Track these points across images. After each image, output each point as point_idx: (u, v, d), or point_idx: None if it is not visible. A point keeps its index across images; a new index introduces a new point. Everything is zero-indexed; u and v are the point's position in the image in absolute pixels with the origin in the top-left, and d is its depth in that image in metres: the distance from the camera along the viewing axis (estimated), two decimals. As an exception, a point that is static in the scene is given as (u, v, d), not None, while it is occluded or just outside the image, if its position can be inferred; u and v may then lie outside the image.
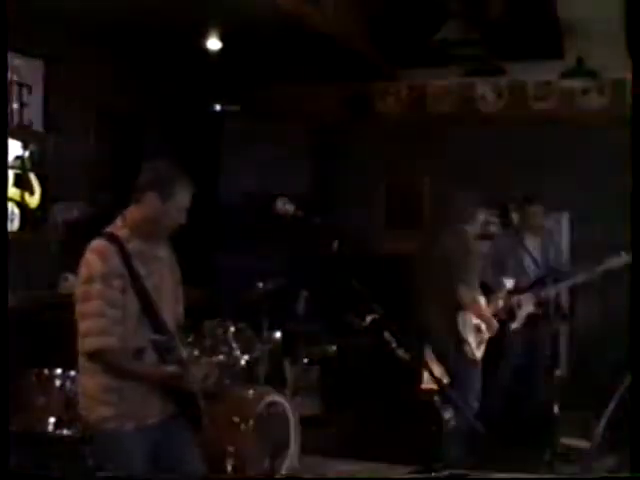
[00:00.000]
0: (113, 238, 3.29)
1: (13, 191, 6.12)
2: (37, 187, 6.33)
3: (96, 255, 3.25)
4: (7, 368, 3.24)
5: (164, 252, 3.48)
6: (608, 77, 7.67)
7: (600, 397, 5.20)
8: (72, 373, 4.71)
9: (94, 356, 3.25)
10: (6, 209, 5.72)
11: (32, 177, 6.29)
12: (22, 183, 6.20)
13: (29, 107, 6.30)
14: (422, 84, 8.52)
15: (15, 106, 6.15)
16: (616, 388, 4.62)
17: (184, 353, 3.29)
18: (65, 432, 4.68)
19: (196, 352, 3.41)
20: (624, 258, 6.26)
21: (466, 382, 5.61)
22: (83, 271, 3.27)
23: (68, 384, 4.70)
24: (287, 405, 5.19)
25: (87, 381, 3.35)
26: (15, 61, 5.97)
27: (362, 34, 7.41)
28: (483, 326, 5.84)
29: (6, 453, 3.15)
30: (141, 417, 3.33)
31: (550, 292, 6.49)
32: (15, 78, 6.09)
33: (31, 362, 4.86)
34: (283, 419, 5.12)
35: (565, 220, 8.12)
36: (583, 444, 5.51)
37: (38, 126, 6.40)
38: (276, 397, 5.09)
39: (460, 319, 5.77)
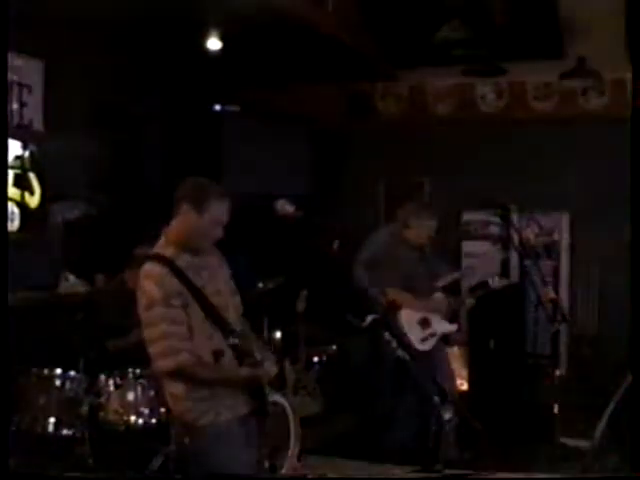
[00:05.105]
0: (162, 259, 3.35)
1: (13, 191, 6.12)
2: (37, 187, 6.33)
3: (151, 281, 3.31)
4: (7, 368, 3.25)
5: (211, 257, 3.55)
6: (608, 77, 7.67)
7: (600, 397, 5.20)
8: (72, 373, 4.72)
9: (170, 375, 3.35)
10: (6, 209, 5.71)
11: (32, 177, 6.28)
12: (22, 183, 6.20)
13: (29, 107, 6.30)
14: (422, 84, 8.52)
15: (15, 106, 6.15)
16: (616, 388, 4.62)
17: (258, 355, 3.47)
18: (65, 432, 4.68)
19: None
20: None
21: (414, 373, 5.56)
22: (142, 299, 3.34)
23: (68, 384, 4.71)
24: (287, 405, 5.19)
25: (172, 388, 3.42)
26: (15, 61, 5.96)
27: (362, 34, 7.41)
28: (432, 320, 5.83)
29: (6, 453, 3.15)
30: (233, 407, 3.42)
31: None
32: (15, 78, 6.09)
33: (31, 362, 4.87)
34: (283, 419, 5.12)
35: (565, 220, 8.12)
36: (583, 444, 5.51)
37: (38, 126, 6.40)
38: (276, 397, 5.08)
39: (400, 316, 5.76)
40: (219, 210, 3.39)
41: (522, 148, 8.04)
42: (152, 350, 3.32)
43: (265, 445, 4.84)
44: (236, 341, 3.39)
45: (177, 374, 3.32)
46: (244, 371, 3.39)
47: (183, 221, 3.40)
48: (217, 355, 3.33)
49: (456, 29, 6.54)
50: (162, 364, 3.31)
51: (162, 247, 3.43)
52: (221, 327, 3.39)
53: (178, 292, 3.30)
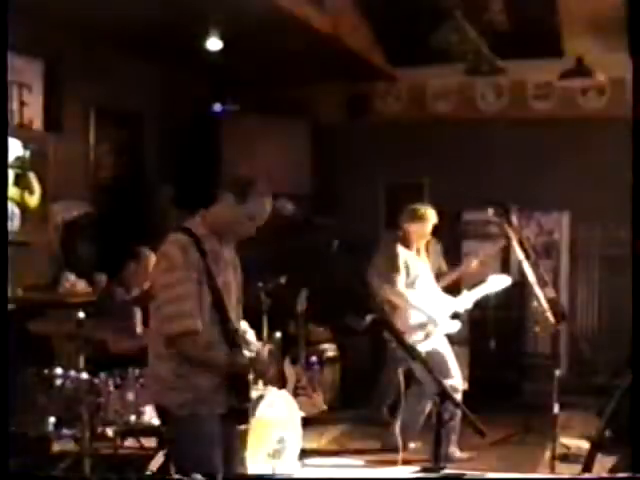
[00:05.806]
0: (191, 233, 3.41)
1: (13, 191, 6.12)
2: (37, 187, 6.33)
3: (176, 246, 3.37)
4: (7, 368, 3.25)
5: (230, 254, 3.60)
6: (608, 77, 7.67)
7: (600, 397, 5.20)
8: (72, 373, 4.72)
9: (177, 339, 3.32)
10: (6, 209, 5.72)
11: (32, 177, 6.29)
12: (22, 183, 6.20)
13: (29, 107, 6.30)
14: (422, 84, 8.53)
15: (15, 106, 6.15)
16: (616, 388, 4.62)
17: (253, 346, 3.55)
18: (65, 432, 4.68)
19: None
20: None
21: (414, 372, 5.56)
22: (163, 262, 3.38)
23: (68, 384, 4.71)
24: (287, 405, 5.19)
25: (160, 367, 3.43)
26: (15, 61, 5.96)
27: (362, 33, 7.41)
28: (432, 320, 5.82)
29: (6, 453, 3.16)
30: (211, 404, 3.41)
31: None
32: (15, 78, 6.09)
33: (31, 362, 4.87)
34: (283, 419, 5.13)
35: (565, 220, 8.12)
36: (583, 444, 5.52)
37: (38, 126, 6.41)
38: (276, 397, 5.09)
39: (400, 316, 5.75)
40: (258, 207, 3.46)
41: (522, 148, 8.04)
42: (166, 311, 3.33)
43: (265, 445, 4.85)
44: (237, 332, 3.44)
45: (181, 342, 3.31)
46: (238, 360, 3.39)
47: (222, 208, 3.48)
48: (209, 345, 3.36)
49: (456, 28, 6.53)
50: (174, 327, 3.30)
51: (194, 225, 3.48)
52: (222, 319, 3.40)
53: (197, 268, 3.34)
